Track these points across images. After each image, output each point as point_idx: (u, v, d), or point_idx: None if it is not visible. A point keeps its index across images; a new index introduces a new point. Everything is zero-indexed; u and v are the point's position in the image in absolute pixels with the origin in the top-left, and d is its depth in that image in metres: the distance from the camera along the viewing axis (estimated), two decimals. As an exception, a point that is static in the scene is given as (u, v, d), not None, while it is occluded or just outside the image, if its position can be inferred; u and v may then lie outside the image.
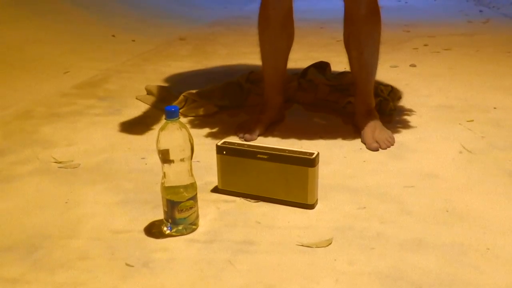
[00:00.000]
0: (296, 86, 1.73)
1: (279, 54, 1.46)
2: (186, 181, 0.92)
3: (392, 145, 1.34)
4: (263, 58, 1.47)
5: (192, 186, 0.93)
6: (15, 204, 1.08)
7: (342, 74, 1.81)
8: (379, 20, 1.35)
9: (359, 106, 1.42)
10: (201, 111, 1.61)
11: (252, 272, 0.83)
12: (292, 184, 1.02)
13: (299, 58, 2.33)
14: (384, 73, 2.05)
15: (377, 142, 1.32)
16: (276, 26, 1.40)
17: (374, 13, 1.34)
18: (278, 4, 1.38)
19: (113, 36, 2.90)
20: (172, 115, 0.88)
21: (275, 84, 1.49)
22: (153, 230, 0.96)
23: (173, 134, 0.89)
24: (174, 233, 0.94)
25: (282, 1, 1.38)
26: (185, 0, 4.42)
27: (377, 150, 1.31)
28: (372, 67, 1.40)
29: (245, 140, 1.37)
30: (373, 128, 1.36)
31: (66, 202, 1.08)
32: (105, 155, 1.32)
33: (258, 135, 1.41)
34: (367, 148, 1.33)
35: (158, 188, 0.93)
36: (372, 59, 1.39)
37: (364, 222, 0.98)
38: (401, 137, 1.39)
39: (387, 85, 1.70)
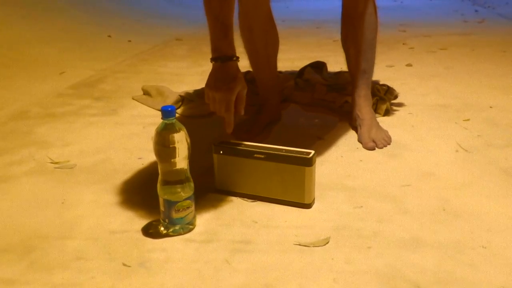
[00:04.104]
0: (293, 86, 1.74)
1: (267, 59, 1.45)
2: (183, 181, 0.92)
3: (389, 144, 1.34)
4: (253, 65, 1.46)
5: (189, 186, 0.93)
6: (11, 204, 1.07)
7: (339, 73, 1.82)
8: (377, 17, 1.36)
9: (356, 105, 1.42)
10: (197, 111, 1.60)
11: (250, 272, 0.83)
12: (289, 183, 1.02)
13: (295, 58, 2.33)
14: (380, 73, 2.05)
15: (373, 141, 1.33)
16: (260, 34, 1.39)
17: (372, 10, 1.34)
18: (257, 12, 1.37)
19: (109, 36, 2.89)
20: (168, 115, 0.88)
21: (270, 86, 1.50)
22: (150, 230, 0.96)
23: (169, 134, 0.89)
24: (171, 233, 0.94)
25: (260, 8, 1.37)
26: (181, 0, 4.41)
27: (374, 149, 1.32)
28: (369, 65, 1.40)
29: (242, 140, 1.37)
30: (370, 128, 1.36)
31: (62, 203, 1.07)
32: (101, 155, 1.32)
33: (255, 135, 1.41)
34: (363, 147, 1.33)
35: (155, 188, 0.93)
36: (370, 56, 1.39)
37: (361, 221, 0.98)
38: (397, 136, 1.39)
39: (383, 85, 1.71)
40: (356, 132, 1.41)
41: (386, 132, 1.38)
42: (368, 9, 1.33)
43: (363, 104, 1.41)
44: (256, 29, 1.38)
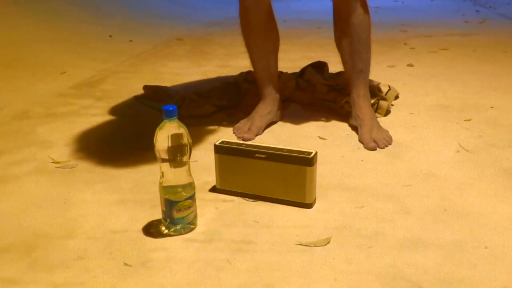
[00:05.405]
0: (294, 86, 1.74)
1: (268, 56, 1.45)
2: (184, 180, 0.92)
3: (390, 144, 1.34)
4: (253, 61, 1.47)
5: (190, 185, 0.93)
6: (12, 204, 1.07)
7: (340, 73, 1.81)
8: (369, 16, 1.36)
9: (356, 105, 1.42)
10: (199, 111, 1.61)
11: (251, 272, 0.83)
12: (290, 183, 1.02)
13: (296, 58, 2.33)
14: (381, 73, 2.05)
15: (374, 141, 1.33)
16: (260, 30, 1.40)
17: (362, 9, 1.34)
18: (257, 8, 1.38)
19: (111, 36, 2.89)
20: (170, 115, 0.88)
21: (270, 85, 1.50)
22: (151, 230, 0.96)
23: (171, 133, 0.89)
24: (172, 233, 0.94)
25: (260, 5, 1.38)
26: (182, 0, 4.42)
27: (375, 149, 1.32)
28: (365, 64, 1.40)
29: (243, 140, 1.37)
30: (371, 128, 1.36)
31: (64, 202, 1.07)
32: (102, 155, 1.32)
33: (256, 135, 1.41)
34: (364, 147, 1.33)
35: (156, 188, 0.93)
36: (365, 55, 1.39)
37: (362, 221, 0.98)
38: (398, 136, 1.39)
39: (384, 85, 1.71)
40: (357, 132, 1.41)
41: (387, 132, 1.38)
42: (358, 9, 1.34)
43: (362, 104, 1.41)
44: (255, 24, 1.39)
